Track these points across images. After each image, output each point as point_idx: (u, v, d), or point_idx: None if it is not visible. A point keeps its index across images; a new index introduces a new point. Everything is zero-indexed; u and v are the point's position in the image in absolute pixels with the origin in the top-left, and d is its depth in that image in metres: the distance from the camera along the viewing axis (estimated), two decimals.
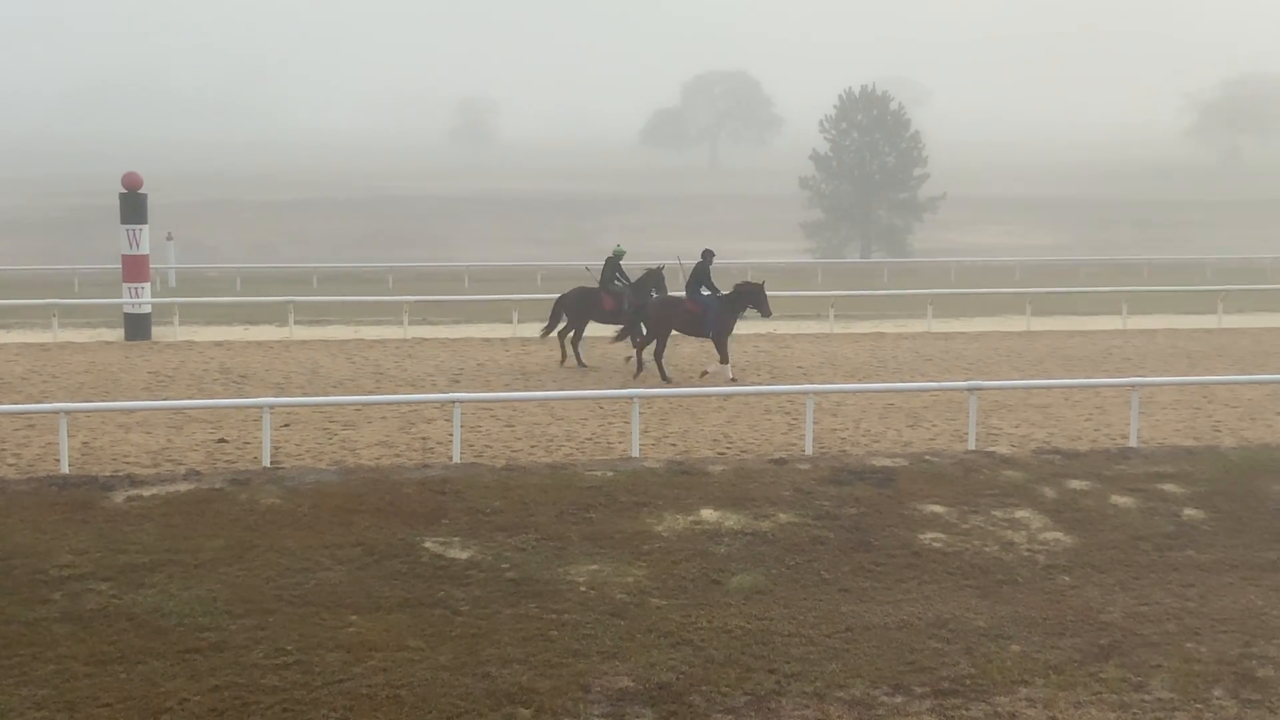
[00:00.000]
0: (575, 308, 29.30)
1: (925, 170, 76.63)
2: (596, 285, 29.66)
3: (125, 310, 34.95)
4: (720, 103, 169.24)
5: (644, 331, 27.70)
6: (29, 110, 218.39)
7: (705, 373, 27.12)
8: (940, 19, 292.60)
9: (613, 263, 29.83)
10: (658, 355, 26.96)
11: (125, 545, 15.31)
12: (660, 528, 16.30)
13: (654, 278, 29.18)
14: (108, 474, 18.39)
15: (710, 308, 27.01)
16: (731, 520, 16.54)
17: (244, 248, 79.58)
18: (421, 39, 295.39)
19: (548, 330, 29.82)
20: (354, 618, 13.48)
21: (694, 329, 27.46)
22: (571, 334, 29.31)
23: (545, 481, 17.91)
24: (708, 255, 27.97)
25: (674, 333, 27.53)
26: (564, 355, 29.20)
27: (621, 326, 28.63)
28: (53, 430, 20.04)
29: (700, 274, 27.37)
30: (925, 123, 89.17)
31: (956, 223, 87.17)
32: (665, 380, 26.31)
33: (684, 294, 27.63)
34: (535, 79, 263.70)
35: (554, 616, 13.60)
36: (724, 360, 27.08)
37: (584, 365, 28.94)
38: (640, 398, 20.68)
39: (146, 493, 17.21)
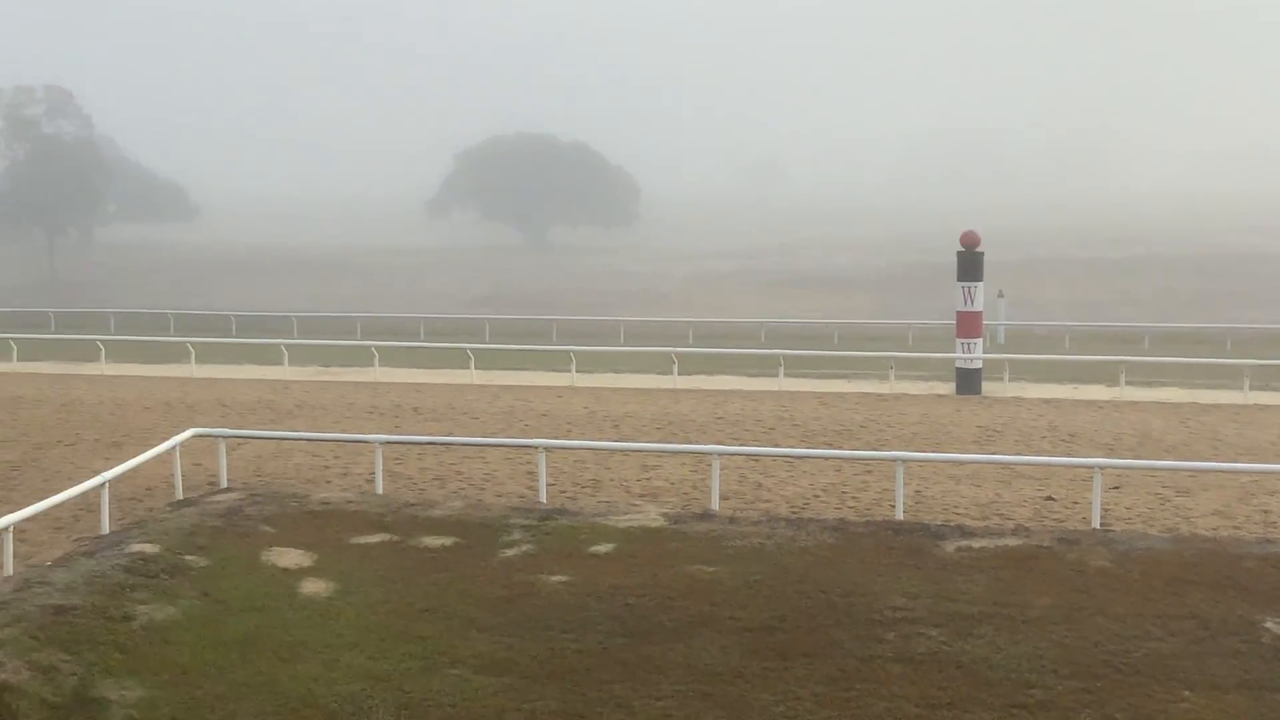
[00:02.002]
0: None
1: None
2: None
3: (957, 365, 35.99)
4: None
5: None
6: (872, 169, 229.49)
7: None
8: None
9: None
10: None
11: (955, 594, 15.59)
12: None
13: None
14: (938, 523, 18.92)
15: None
16: None
17: (1072, 305, 79.17)
18: None
19: None
20: (1186, 693, 12.86)
21: None
22: None
23: None
24: None
25: None
26: None
27: None
28: (889, 477, 20.96)
29: None
30: None
31: None
32: None
33: None
34: None
35: None
36: None
37: None
38: None
39: (976, 544, 17.46)
